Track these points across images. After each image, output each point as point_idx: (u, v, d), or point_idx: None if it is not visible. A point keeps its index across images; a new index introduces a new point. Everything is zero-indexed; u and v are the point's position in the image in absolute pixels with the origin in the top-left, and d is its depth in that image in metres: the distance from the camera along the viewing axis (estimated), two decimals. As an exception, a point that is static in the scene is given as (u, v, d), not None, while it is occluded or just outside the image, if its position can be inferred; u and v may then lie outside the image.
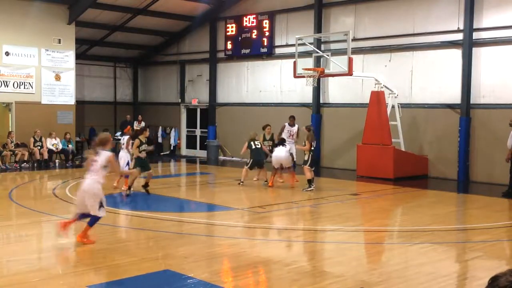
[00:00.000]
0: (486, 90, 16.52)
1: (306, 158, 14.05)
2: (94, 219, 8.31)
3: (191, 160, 23.37)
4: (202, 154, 24.49)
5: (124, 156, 14.02)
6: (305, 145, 13.97)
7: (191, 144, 25.69)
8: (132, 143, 13.51)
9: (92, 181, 8.22)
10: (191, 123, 25.75)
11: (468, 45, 16.56)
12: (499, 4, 16.21)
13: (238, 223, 10.52)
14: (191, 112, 25.77)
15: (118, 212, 11.49)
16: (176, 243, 8.76)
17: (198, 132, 25.44)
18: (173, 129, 25.74)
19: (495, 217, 11.22)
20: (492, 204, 12.95)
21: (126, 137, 14.52)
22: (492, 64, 16.39)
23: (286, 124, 16.65)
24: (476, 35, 16.58)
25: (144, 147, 13.25)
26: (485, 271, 7.37)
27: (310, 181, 14.06)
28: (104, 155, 8.31)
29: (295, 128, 16.50)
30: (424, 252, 8.52)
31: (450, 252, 8.80)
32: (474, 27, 16.55)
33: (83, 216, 8.41)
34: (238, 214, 11.38)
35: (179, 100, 25.85)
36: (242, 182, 14.83)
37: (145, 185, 13.33)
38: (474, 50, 16.62)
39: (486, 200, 13.55)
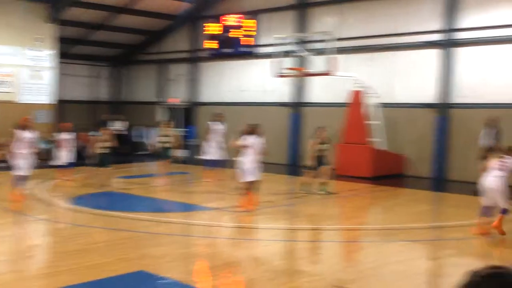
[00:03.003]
0: (465, 90, 16.70)
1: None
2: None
3: (171, 160, 23.22)
4: (183, 154, 24.38)
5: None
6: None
7: (172, 143, 25.51)
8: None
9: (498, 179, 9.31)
10: (171, 123, 25.55)
11: (448, 45, 16.75)
12: (478, 4, 16.39)
13: (215, 222, 10.53)
14: (171, 112, 25.66)
15: (93, 213, 11.40)
16: (152, 244, 8.75)
17: (178, 131, 25.31)
18: (153, 129, 25.60)
19: (469, 214, 11.31)
20: (466, 202, 13.09)
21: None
22: (472, 64, 16.57)
23: (212, 122, 16.06)
24: (455, 36, 16.77)
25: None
26: (458, 268, 7.45)
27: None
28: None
29: (222, 126, 16.03)
30: (400, 250, 8.62)
31: (424, 250, 8.92)
32: (454, 27, 16.74)
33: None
34: (216, 214, 11.38)
35: (160, 99, 25.75)
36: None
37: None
38: (454, 50, 16.80)
39: (461, 198, 13.74)
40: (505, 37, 15.80)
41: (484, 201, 9.51)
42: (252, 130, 11.54)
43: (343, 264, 8.24)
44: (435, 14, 17.16)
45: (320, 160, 13.36)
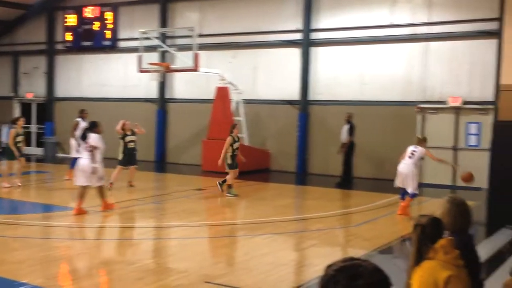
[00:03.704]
0: (322, 88, 17.61)
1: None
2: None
3: (26, 159, 21.77)
4: (39, 151, 23.00)
5: None
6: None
7: (25, 141, 23.92)
8: None
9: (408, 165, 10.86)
10: (26, 119, 23.95)
11: (306, 45, 17.54)
12: (333, 7, 17.36)
13: (77, 223, 10.02)
14: (26, 107, 24.07)
15: None
16: (9, 248, 8.13)
17: (33, 128, 23.83)
18: (4, 126, 23.78)
19: (329, 206, 12.01)
20: (327, 194, 13.85)
21: None
22: (328, 63, 17.52)
23: (80, 119, 15.10)
24: (313, 36, 17.61)
25: None
26: (321, 258, 7.84)
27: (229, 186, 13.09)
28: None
29: (84, 124, 14.82)
30: (266, 242, 8.85)
31: (289, 242, 9.24)
32: (312, 28, 17.57)
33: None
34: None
35: (12, 94, 24.01)
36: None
37: None
38: (312, 49, 17.64)
39: (322, 191, 14.47)
40: (354, 38, 16.95)
41: (396, 183, 11.03)
42: (93, 128, 10.65)
43: (212, 259, 8.26)
44: (295, 14, 17.87)
45: (235, 157, 12.93)
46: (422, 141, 11.32)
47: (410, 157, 10.99)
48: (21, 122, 14.18)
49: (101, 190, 10.63)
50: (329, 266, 1.90)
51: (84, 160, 10.38)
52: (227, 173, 13.01)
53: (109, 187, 13.14)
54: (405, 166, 10.93)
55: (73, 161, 14.98)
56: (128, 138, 13.65)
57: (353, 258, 1.93)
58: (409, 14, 16.26)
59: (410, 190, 10.84)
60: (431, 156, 11.60)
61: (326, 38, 17.50)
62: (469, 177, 10.65)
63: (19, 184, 13.66)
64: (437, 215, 4.17)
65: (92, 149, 10.28)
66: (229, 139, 12.88)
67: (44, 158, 21.46)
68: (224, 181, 13.03)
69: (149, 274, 7.02)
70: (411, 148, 11.13)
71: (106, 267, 7.42)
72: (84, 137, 10.54)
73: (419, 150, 11.04)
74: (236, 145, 12.99)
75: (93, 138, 10.38)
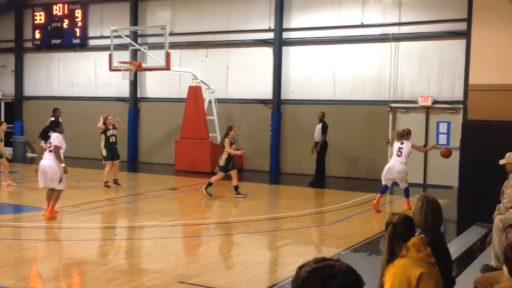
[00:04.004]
0: (294, 87, 17.69)
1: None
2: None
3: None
4: (8, 151, 22.56)
5: None
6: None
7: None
8: None
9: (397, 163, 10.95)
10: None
11: (278, 44, 17.58)
12: (305, 6, 17.44)
13: (49, 223, 9.87)
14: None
15: None
16: (-22, 250, 7.97)
17: (3, 127, 23.37)
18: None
19: (302, 205, 12.06)
20: (300, 193, 13.91)
21: None
22: (300, 62, 17.60)
23: (54, 119, 14.58)
24: (285, 35, 17.66)
25: None
26: (295, 257, 7.89)
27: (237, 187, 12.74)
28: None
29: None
30: (240, 242, 8.87)
31: (263, 241, 9.26)
32: (284, 27, 17.62)
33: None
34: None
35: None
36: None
37: None
38: (284, 48, 17.69)
39: (295, 190, 14.52)
40: (326, 38, 17.04)
41: (383, 181, 11.07)
42: (55, 127, 10.22)
43: (185, 259, 8.24)
44: (267, 13, 17.90)
45: (230, 162, 12.58)
46: (407, 135, 11.14)
47: (398, 155, 10.90)
48: (4, 127, 14.17)
49: (57, 194, 10.06)
50: (301, 267, 1.89)
51: (45, 161, 9.90)
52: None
53: (118, 183, 13.52)
54: (396, 163, 10.91)
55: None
56: (110, 132, 13.71)
57: (325, 258, 1.92)
58: (380, 14, 16.45)
59: (406, 185, 11.08)
60: (418, 149, 11.64)
61: (298, 38, 17.58)
62: (447, 153, 11.03)
63: (13, 184, 13.77)
64: (409, 213, 4.23)
65: (55, 149, 9.85)
66: (227, 141, 12.51)
67: (13, 158, 21.06)
68: (237, 187, 12.71)
69: (123, 275, 6.97)
70: (397, 145, 10.98)
71: (79, 268, 7.34)
72: (46, 136, 10.08)
73: (405, 145, 10.93)
74: (232, 147, 12.72)
75: (56, 137, 9.95)
